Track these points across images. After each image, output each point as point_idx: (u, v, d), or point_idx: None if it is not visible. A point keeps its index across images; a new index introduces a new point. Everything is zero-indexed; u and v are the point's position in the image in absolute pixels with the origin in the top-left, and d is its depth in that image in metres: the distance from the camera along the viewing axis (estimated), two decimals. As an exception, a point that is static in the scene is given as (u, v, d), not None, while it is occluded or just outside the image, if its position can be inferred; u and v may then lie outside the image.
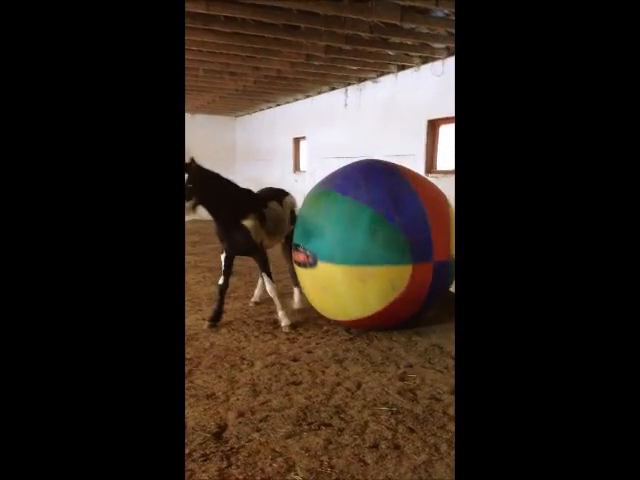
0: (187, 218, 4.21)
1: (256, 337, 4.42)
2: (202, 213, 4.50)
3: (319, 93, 9.39)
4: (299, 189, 10.32)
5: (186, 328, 4.59)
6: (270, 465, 2.43)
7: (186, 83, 8.96)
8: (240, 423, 2.85)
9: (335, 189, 4.41)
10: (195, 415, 2.93)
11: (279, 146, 11.31)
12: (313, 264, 4.31)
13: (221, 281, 4.79)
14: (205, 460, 2.46)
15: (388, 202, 4.13)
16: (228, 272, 4.83)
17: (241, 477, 2.33)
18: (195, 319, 4.87)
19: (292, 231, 4.92)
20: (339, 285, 4.20)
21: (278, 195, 5.23)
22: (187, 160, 4.39)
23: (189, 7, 5.05)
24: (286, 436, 2.71)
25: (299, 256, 4.53)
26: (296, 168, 10.85)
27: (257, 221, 4.62)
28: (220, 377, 3.52)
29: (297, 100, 10.30)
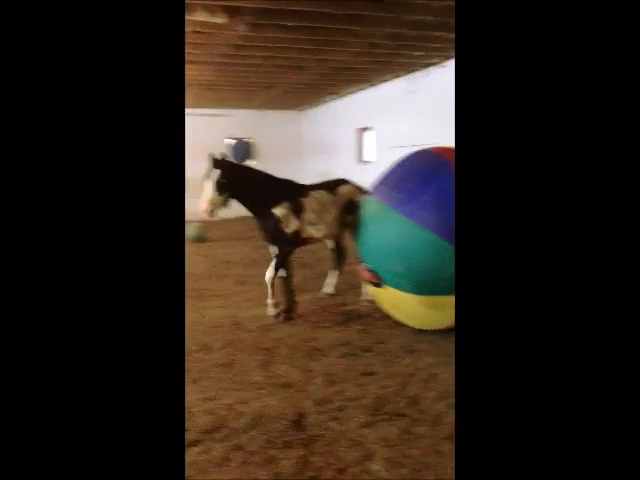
0: (219, 212, 4.43)
1: (328, 328, 4.51)
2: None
3: (383, 82, 9.31)
4: (364, 180, 10.30)
5: (263, 319, 4.76)
6: (349, 453, 2.51)
7: (253, 79, 9.17)
8: (317, 412, 2.95)
9: (398, 207, 3.99)
10: (274, 403, 3.06)
11: (344, 138, 11.34)
12: (379, 285, 4.22)
13: (281, 273, 4.84)
14: (286, 447, 2.57)
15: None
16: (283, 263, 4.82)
17: (322, 465, 2.42)
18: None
19: (352, 222, 4.81)
20: (410, 308, 4.11)
21: (330, 184, 5.09)
22: (218, 157, 4.49)
23: (255, 4, 5.16)
24: (363, 425, 2.78)
25: (364, 272, 4.40)
26: (361, 159, 10.84)
27: (289, 210, 4.63)
28: (296, 367, 3.64)
29: (361, 90, 10.27)
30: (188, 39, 6.61)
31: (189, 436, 2.67)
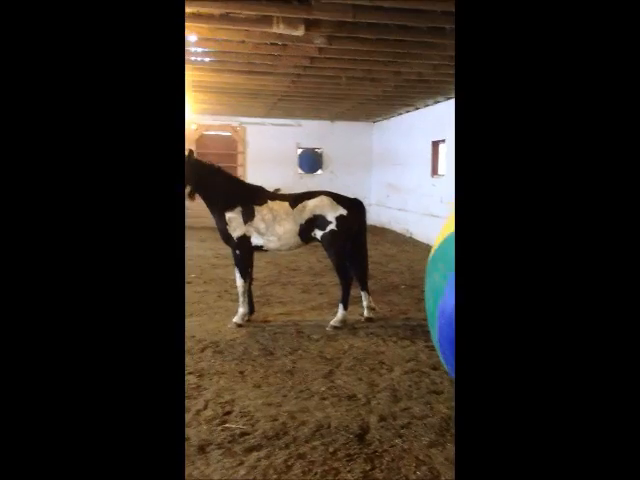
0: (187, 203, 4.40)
1: (394, 342, 4.40)
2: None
3: (461, 95, 9.14)
4: (437, 193, 10.14)
5: (324, 329, 4.72)
6: (414, 473, 2.41)
7: (328, 91, 9.25)
8: (382, 427, 2.86)
9: None
10: (337, 415, 2.99)
11: (417, 150, 11.19)
12: None
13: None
14: (349, 460, 2.50)
15: None
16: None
17: (385, 481, 2.33)
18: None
19: (325, 237, 4.75)
20: None
21: (300, 196, 4.93)
22: (186, 152, 4.60)
23: (337, 17, 5.20)
24: (429, 445, 2.66)
25: None
26: (434, 172, 10.65)
27: (239, 215, 4.75)
28: (360, 379, 3.56)
29: (437, 102, 10.12)
30: (265, 51, 6.76)
31: (252, 440, 2.66)
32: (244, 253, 4.87)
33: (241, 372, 3.64)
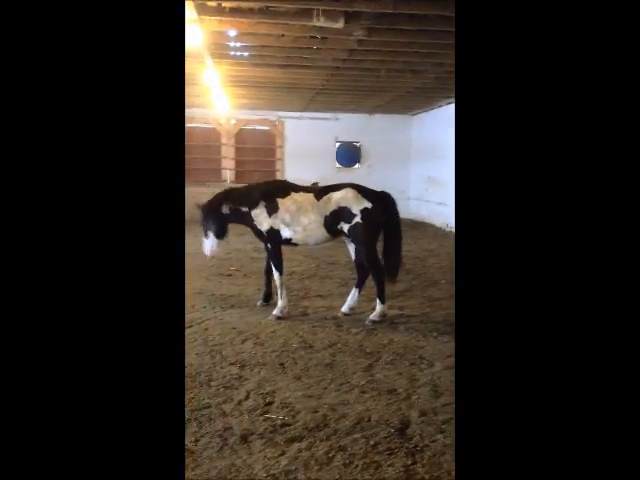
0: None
1: (434, 338, 4.35)
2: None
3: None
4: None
5: (366, 324, 4.70)
6: (457, 469, 2.38)
7: (367, 84, 9.18)
8: (423, 422, 2.83)
9: None
10: (378, 408, 2.98)
11: (457, 143, 10.99)
12: None
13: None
14: (390, 454, 2.48)
15: None
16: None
17: (427, 476, 2.31)
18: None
19: (351, 231, 4.76)
20: None
21: (325, 189, 5.00)
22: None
23: (376, 8, 5.15)
24: (472, 442, 2.62)
25: None
26: (475, 166, 10.45)
27: (264, 209, 4.89)
28: (400, 374, 3.54)
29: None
30: (304, 44, 6.76)
31: (293, 431, 2.67)
32: (275, 246, 4.96)
33: (281, 364, 3.67)
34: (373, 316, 4.79)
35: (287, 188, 5.08)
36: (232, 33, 6.42)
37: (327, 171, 13.48)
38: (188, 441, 2.54)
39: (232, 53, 7.44)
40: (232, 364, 3.63)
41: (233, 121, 13.56)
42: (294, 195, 4.92)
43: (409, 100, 11.04)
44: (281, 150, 13.85)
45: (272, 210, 4.86)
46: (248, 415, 2.86)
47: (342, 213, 4.77)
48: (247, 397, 3.10)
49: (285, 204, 4.86)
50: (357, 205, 4.75)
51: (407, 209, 13.80)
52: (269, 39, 6.56)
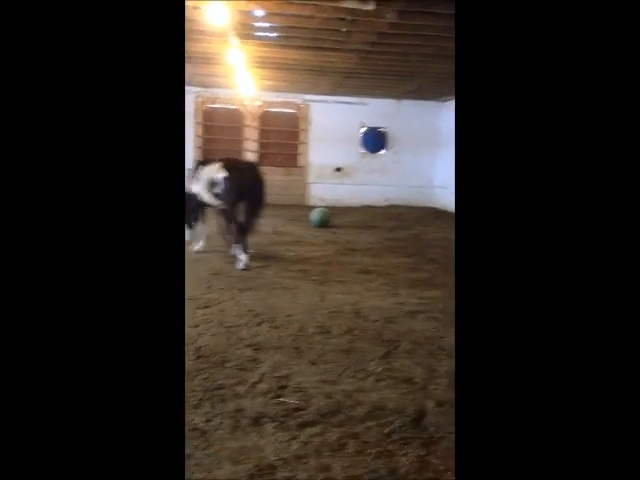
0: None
1: (454, 329, 4.26)
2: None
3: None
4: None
5: (385, 310, 4.64)
6: (472, 463, 2.31)
7: (397, 69, 9.01)
8: (439, 413, 2.77)
9: None
10: (393, 397, 2.93)
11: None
12: None
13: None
14: (404, 444, 2.43)
15: None
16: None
17: (441, 468, 2.26)
18: (393, 302, 4.90)
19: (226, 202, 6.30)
20: None
21: (209, 161, 6.88)
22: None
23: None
24: (489, 436, 2.55)
25: None
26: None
27: (190, 177, 6.86)
28: (418, 363, 3.47)
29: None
30: (333, 26, 6.63)
31: (306, 416, 2.64)
32: (200, 206, 6.86)
33: (297, 348, 3.64)
34: (238, 265, 6.02)
35: (208, 162, 6.81)
36: (259, 13, 6.33)
37: (352, 156, 13.36)
38: (200, 421, 2.53)
39: (259, 34, 7.36)
40: (247, 346, 3.61)
41: (258, 103, 13.48)
42: (205, 167, 6.64)
43: (440, 86, 10.82)
44: (305, 134, 13.73)
45: (196, 180, 6.69)
46: (261, 398, 2.83)
47: (212, 182, 6.36)
48: (261, 380, 3.07)
49: (200, 175, 6.61)
50: (219, 174, 6.24)
51: (433, 198, 13.65)
52: (297, 20, 6.45)
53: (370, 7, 5.43)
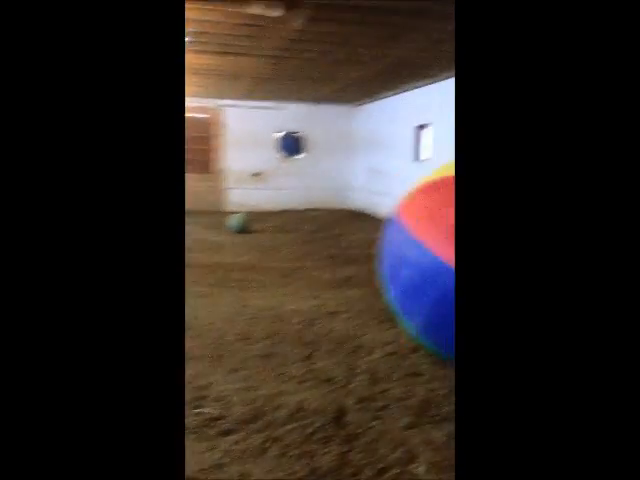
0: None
1: (375, 326, 4.38)
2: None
3: (445, 78, 9.07)
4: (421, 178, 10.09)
5: (305, 313, 4.68)
6: (391, 454, 2.38)
7: (309, 73, 9.12)
8: (360, 410, 2.83)
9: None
10: (315, 398, 2.96)
11: (400, 134, 11.13)
12: None
13: None
14: (326, 443, 2.46)
15: None
16: None
17: (362, 463, 2.31)
18: (313, 304, 4.95)
19: None
20: None
21: None
22: None
23: (316, -4, 5.08)
24: (407, 427, 2.64)
25: None
26: (417, 157, 10.62)
27: None
28: (339, 363, 3.53)
29: (421, 87, 10.05)
30: (243, 32, 6.61)
31: (225, 425, 2.61)
32: None
33: (218, 357, 3.58)
34: None
35: None
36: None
37: (269, 161, 13.34)
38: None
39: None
40: (166, 358, 3.51)
41: (172, 109, 13.14)
42: None
43: (352, 91, 11.06)
44: (219, 139, 13.55)
45: None
46: (181, 409, 2.76)
47: None
48: (181, 391, 2.99)
49: None
50: None
51: (349, 200, 13.92)
52: (208, 25, 6.36)
53: (278, 14, 5.45)
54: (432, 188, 3.66)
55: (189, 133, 13.41)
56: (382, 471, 2.25)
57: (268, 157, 13.38)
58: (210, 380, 3.17)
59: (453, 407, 2.88)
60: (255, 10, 5.28)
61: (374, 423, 2.68)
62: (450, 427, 2.64)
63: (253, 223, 10.12)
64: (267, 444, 2.43)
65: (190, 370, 3.31)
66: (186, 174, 12.33)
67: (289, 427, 2.60)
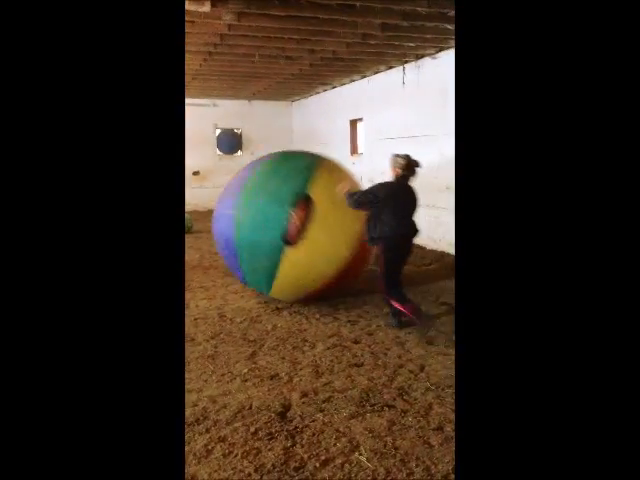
0: None
1: (317, 320, 4.44)
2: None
3: (376, 73, 9.22)
4: (357, 172, 10.23)
5: (249, 311, 4.68)
6: (334, 445, 2.44)
7: (243, 70, 9.05)
8: (304, 403, 2.88)
9: None
10: (260, 395, 2.98)
11: (336, 129, 11.23)
12: None
13: None
14: (270, 439, 2.50)
15: None
16: None
17: (306, 456, 2.35)
18: (257, 302, 4.96)
19: None
20: None
21: None
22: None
23: (243, -8, 5.05)
24: (349, 417, 2.71)
25: None
26: (354, 151, 10.76)
27: None
28: (283, 358, 3.57)
29: (353, 81, 10.17)
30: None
31: (170, 428, 2.59)
32: None
33: (160, 361, 3.53)
34: None
35: None
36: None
37: (209, 159, 13.14)
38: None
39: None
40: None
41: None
42: None
43: (287, 87, 11.05)
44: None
45: None
46: (123, 417, 2.72)
47: None
48: (122, 399, 2.94)
49: None
50: None
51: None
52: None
53: (205, 9, 5.38)
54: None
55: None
56: (325, 462, 2.30)
57: (208, 155, 13.18)
58: (152, 385, 3.12)
59: (393, 394, 2.98)
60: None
61: (318, 416, 2.73)
62: (390, 414, 2.73)
63: (196, 223, 9.97)
64: (212, 445, 2.44)
65: (131, 377, 3.25)
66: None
67: (234, 426, 2.61)
